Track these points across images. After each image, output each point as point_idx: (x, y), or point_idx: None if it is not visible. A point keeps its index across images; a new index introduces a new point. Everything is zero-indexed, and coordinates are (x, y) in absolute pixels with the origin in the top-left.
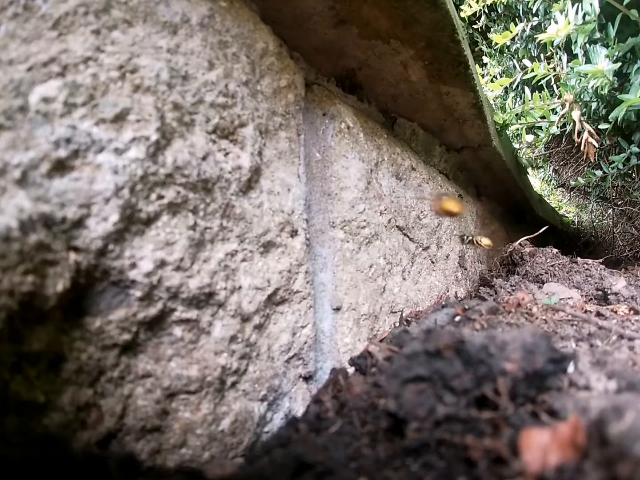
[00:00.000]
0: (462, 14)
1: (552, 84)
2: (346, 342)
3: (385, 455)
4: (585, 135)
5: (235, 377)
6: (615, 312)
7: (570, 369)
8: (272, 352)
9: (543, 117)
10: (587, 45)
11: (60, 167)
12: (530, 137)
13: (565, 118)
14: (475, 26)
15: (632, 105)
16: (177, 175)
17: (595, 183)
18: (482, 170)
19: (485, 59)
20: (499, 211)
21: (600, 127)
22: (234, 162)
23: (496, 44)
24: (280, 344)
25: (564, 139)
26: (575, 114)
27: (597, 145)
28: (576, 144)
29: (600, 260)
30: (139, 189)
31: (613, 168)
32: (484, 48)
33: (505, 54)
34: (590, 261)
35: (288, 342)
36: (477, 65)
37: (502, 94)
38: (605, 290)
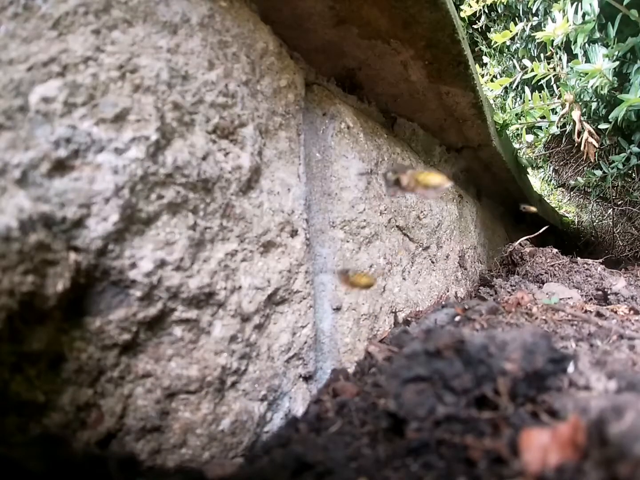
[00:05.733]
0: (462, 14)
1: (552, 83)
2: (346, 342)
3: (385, 455)
4: (585, 135)
5: (235, 377)
6: (615, 312)
7: (570, 369)
8: (272, 352)
9: (543, 117)
10: (587, 45)
11: (60, 167)
12: (530, 137)
13: (565, 118)
14: (475, 26)
15: (632, 105)
16: (177, 175)
17: (595, 183)
18: (482, 170)
19: (485, 59)
20: (499, 211)
21: (600, 127)
22: (234, 162)
23: (495, 42)
24: (280, 344)
25: (564, 139)
26: (575, 114)
27: (597, 145)
28: (576, 144)
29: (600, 260)
30: (139, 189)
31: (613, 168)
32: (483, 48)
33: (505, 54)
34: (590, 261)
35: (288, 342)
36: (477, 65)
37: (502, 94)
38: (605, 290)
